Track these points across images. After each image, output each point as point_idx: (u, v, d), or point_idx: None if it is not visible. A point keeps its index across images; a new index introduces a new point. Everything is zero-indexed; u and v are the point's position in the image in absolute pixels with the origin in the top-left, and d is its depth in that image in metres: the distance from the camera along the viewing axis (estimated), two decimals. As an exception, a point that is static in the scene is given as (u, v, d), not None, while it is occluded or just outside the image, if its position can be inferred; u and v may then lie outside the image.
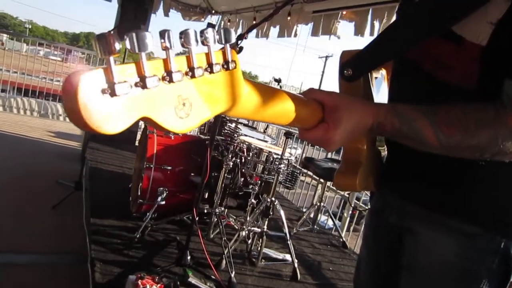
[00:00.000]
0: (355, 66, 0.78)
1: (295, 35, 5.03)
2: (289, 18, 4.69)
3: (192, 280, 2.09)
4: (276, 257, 2.75)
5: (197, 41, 0.41)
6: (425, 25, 0.73)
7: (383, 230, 0.97)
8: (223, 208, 2.76)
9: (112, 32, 0.33)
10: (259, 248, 2.63)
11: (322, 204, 3.53)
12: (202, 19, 6.91)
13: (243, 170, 2.88)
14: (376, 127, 0.70)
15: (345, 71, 0.79)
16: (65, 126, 6.70)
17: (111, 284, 2.08)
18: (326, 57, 36.24)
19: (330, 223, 4.09)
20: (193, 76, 0.41)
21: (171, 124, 0.40)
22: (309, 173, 4.34)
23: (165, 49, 0.38)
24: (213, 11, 6.83)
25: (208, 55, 0.44)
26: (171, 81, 0.39)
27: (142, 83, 0.36)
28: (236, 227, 2.74)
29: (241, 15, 6.17)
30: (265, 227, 2.61)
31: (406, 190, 0.88)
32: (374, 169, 0.90)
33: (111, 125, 0.34)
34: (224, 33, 0.45)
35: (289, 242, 2.63)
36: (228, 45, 0.46)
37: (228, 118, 3.02)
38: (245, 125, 3.54)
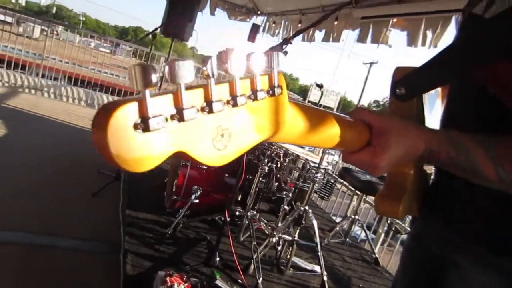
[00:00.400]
0: (409, 85, 0.73)
1: (341, 40, 4.94)
2: (336, 23, 4.61)
3: (219, 282, 2.09)
4: (305, 267, 2.70)
5: (242, 68, 0.38)
6: (497, 46, 0.67)
7: (424, 258, 0.91)
8: (255, 212, 2.74)
9: (148, 64, 0.31)
10: (288, 256, 2.60)
11: (356, 217, 3.44)
12: (248, 19, 6.95)
13: (278, 176, 2.85)
14: (428, 155, 0.65)
15: (398, 90, 0.74)
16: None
17: (140, 277, 2.12)
18: (371, 63, 35.40)
19: (363, 235, 3.98)
20: (235, 105, 0.39)
21: (207, 157, 0.37)
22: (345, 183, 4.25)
23: (207, 77, 0.35)
24: (259, 12, 6.85)
25: (253, 81, 0.41)
26: (210, 112, 0.36)
27: (178, 115, 0.33)
28: (267, 232, 2.72)
29: (287, 17, 6.14)
30: (296, 235, 2.57)
31: (452, 219, 0.82)
32: (419, 193, 0.84)
33: (141, 163, 0.32)
34: (273, 57, 0.42)
35: (319, 253, 2.58)
36: (276, 70, 0.43)
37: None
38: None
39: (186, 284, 1.99)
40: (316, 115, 0.54)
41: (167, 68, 0.32)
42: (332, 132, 0.57)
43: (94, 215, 3.15)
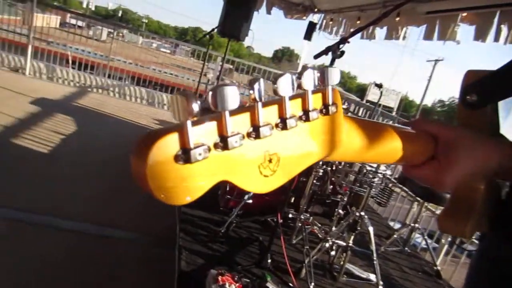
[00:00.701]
0: (481, 92, 0.65)
1: (403, 38, 4.72)
2: (397, 19, 4.41)
3: (270, 285, 2.08)
4: (359, 275, 2.61)
5: (293, 88, 0.35)
6: None
7: (495, 280, 0.83)
8: (308, 215, 2.70)
9: (190, 92, 0.29)
10: (342, 262, 2.52)
11: (417, 225, 3.26)
12: (304, 17, 6.87)
13: (333, 179, 2.78)
14: (503, 171, 0.58)
15: (468, 97, 0.66)
16: (168, 114, 7.19)
17: (194, 274, 2.16)
18: (436, 61, 33.46)
19: (424, 244, 3.77)
20: (284, 129, 0.36)
21: (253, 185, 0.35)
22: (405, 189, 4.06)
23: (253, 101, 0.33)
24: (316, 9, 6.74)
25: (304, 101, 0.38)
26: (257, 137, 0.34)
27: (222, 144, 0.31)
28: (320, 236, 2.67)
29: (345, 14, 5.99)
30: (351, 241, 2.49)
31: None
32: (489, 207, 0.76)
33: (182, 196, 0.30)
34: (328, 73, 0.39)
35: (375, 261, 2.48)
36: (330, 87, 0.40)
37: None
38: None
39: (237, 284, 2.00)
40: (374, 131, 0.50)
41: (210, 94, 0.30)
42: (391, 147, 0.53)
43: (152, 210, 3.27)
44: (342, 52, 2.29)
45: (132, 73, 8.71)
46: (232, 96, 0.30)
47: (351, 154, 0.48)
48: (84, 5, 64.34)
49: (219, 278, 2.00)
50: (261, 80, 0.33)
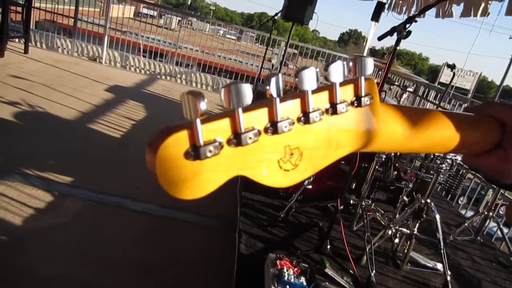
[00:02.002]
0: None
1: (487, 14, 4.31)
2: (475, -6, 4.06)
3: (329, 271, 2.06)
4: (425, 264, 2.50)
5: (317, 80, 0.34)
6: None
7: None
8: (370, 201, 2.62)
9: (198, 92, 0.29)
10: (405, 251, 2.43)
11: (491, 213, 3.05)
12: (372, -3, 6.56)
13: (397, 165, 2.67)
14: None
15: None
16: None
17: (252, 257, 2.21)
18: (520, 38, 30.34)
19: (499, 233, 3.50)
20: (307, 123, 0.35)
21: (272, 180, 0.35)
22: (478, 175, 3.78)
23: (270, 97, 0.32)
24: (385, -12, 6.41)
25: (331, 93, 0.37)
26: (275, 133, 0.33)
27: (236, 140, 0.31)
28: (383, 223, 2.59)
29: (417, -8, 5.63)
30: (415, 229, 2.38)
31: None
32: None
33: (192, 191, 0.31)
34: (359, 64, 0.37)
35: (442, 250, 2.35)
36: (363, 77, 0.38)
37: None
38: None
39: (296, 269, 2.01)
40: (420, 119, 0.47)
41: (222, 92, 0.30)
42: (443, 135, 0.49)
43: (214, 193, 3.38)
44: (409, 32, 2.15)
45: (198, 60, 8.95)
46: (245, 93, 0.30)
47: (392, 144, 0.45)
48: (156, -5, 67.01)
49: (278, 262, 2.02)
50: (279, 75, 0.32)
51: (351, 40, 69.30)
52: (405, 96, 2.74)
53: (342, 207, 2.41)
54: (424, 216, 2.38)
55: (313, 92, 0.35)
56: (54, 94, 4.91)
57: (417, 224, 2.40)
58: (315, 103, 0.35)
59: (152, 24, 9.27)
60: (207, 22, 10.02)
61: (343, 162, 2.86)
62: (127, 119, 4.78)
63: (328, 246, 2.33)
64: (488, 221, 3.17)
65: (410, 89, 2.72)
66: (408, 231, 2.42)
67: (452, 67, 3.22)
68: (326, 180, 2.84)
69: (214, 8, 72.71)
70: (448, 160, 2.38)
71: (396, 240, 2.52)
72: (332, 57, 8.37)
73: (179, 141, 0.30)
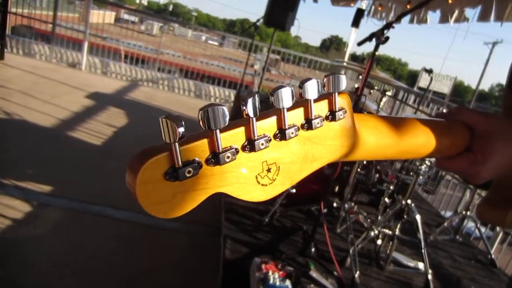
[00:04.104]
0: None
1: (462, 19, 4.44)
2: (450, 1, 4.18)
3: (314, 274, 2.08)
4: (407, 264, 2.55)
5: (292, 98, 0.35)
6: None
7: None
8: (352, 204, 2.66)
9: (176, 115, 0.30)
10: (388, 251, 2.47)
11: (468, 213, 3.12)
12: (352, 5, 6.68)
13: (378, 167, 2.72)
14: None
15: None
16: (215, 106, 7.33)
17: (238, 262, 2.21)
18: (494, 43, 31.16)
19: (478, 232, 3.59)
20: (283, 139, 0.37)
21: (250, 195, 0.36)
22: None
23: (247, 116, 0.34)
24: (364, -5, 6.54)
25: (306, 110, 0.38)
26: (252, 150, 0.35)
27: (214, 160, 0.33)
28: (366, 225, 2.62)
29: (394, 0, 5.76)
30: (397, 230, 2.43)
31: None
32: None
33: (171, 211, 0.33)
34: (333, 80, 0.39)
35: (423, 249, 2.40)
36: (336, 93, 0.39)
37: (366, 111, 2.87)
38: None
39: (281, 272, 2.03)
40: (395, 127, 0.49)
41: (200, 114, 0.31)
42: (418, 142, 0.51)
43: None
44: (387, 38, 2.21)
45: (181, 66, 8.93)
46: (222, 115, 0.31)
47: (366, 154, 0.47)
48: (137, 1, 66.61)
49: (263, 266, 2.03)
50: (256, 95, 0.33)
51: (332, 46, 70.12)
52: (385, 100, 2.80)
53: (325, 210, 2.44)
54: (405, 217, 2.43)
55: (289, 109, 0.36)
56: (32, 101, 4.83)
57: (399, 225, 2.44)
58: (290, 120, 0.37)
59: (134, 30, 9.22)
60: (189, 28, 10.03)
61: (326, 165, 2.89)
62: (108, 126, 4.73)
63: (313, 249, 2.35)
64: (466, 220, 3.25)
65: (390, 93, 2.78)
66: (390, 232, 2.46)
67: (429, 72, 3.30)
68: (309, 184, 2.86)
69: (196, 14, 72.67)
70: (427, 162, 2.43)
71: (379, 241, 2.56)
72: (314, 63, 8.47)
73: (158, 164, 0.31)
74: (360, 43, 2.31)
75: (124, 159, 4.03)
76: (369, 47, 2.36)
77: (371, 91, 2.87)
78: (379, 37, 2.17)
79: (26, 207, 2.72)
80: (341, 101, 0.41)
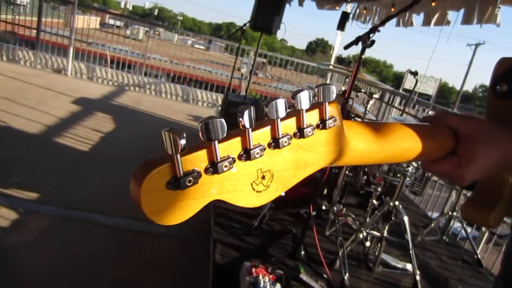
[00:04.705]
0: None
1: (445, 23, 4.53)
2: (433, 4, 4.25)
3: (304, 276, 2.09)
4: (395, 265, 2.58)
5: (286, 109, 0.38)
6: None
7: None
8: (341, 206, 2.68)
9: (178, 129, 0.33)
10: (377, 253, 2.50)
11: (455, 214, 3.17)
12: (337, 8, 6.76)
13: (366, 169, 2.74)
14: None
15: (498, 86, 0.63)
16: (202, 110, 7.32)
17: (228, 266, 2.21)
18: (477, 45, 31.77)
19: (464, 232, 3.65)
20: (276, 147, 0.39)
21: (245, 201, 0.38)
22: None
23: (243, 128, 0.36)
24: (349, -1, 6.61)
25: (298, 119, 0.40)
26: (248, 159, 0.37)
27: (213, 169, 0.35)
28: (354, 227, 2.65)
29: (379, 3, 5.84)
30: (385, 232, 2.46)
31: None
32: None
33: (174, 217, 0.34)
34: (323, 91, 0.41)
35: (411, 250, 2.43)
36: (326, 103, 0.42)
37: (354, 114, 2.90)
38: (372, 120, 3.36)
39: (271, 275, 2.03)
40: (382, 133, 0.51)
41: (200, 126, 0.33)
42: (404, 146, 0.53)
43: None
44: (373, 42, 2.24)
45: (167, 70, 8.89)
46: (221, 127, 0.33)
47: (356, 159, 0.49)
48: (122, 5, 66.18)
49: (253, 270, 2.03)
50: (252, 108, 0.36)
51: (318, 48, 70.60)
52: (371, 102, 2.83)
53: (314, 213, 2.46)
54: (393, 218, 2.46)
55: (282, 119, 0.38)
56: (17, 107, 4.76)
57: (387, 227, 2.47)
58: (284, 129, 0.39)
59: (119, 35, 9.16)
60: (175, 32, 10.01)
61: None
62: (95, 131, 4.68)
63: (302, 252, 2.36)
64: (452, 221, 3.30)
65: (376, 96, 2.81)
66: (379, 234, 2.49)
67: (414, 74, 3.34)
68: (298, 187, 2.87)
69: (181, 18, 72.48)
70: (413, 164, 2.47)
71: (368, 243, 2.58)
72: (301, 66, 8.52)
73: (161, 174, 0.33)
74: (346, 47, 2.34)
75: (111, 164, 4.01)
76: (355, 49, 2.40)
77: (358, 94, 2.90)
78: (365, 40, 2.20)
79: (12, 215, 2.67)
80: (331, 110, 0.43)
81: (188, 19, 77.67)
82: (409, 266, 2.51)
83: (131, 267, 2.49)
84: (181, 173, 0.33)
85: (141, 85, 7.67)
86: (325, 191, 2.89)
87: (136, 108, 6.29)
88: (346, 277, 2.24)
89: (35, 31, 7.33)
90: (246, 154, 0.37)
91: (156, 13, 73.14)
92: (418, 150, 0.54)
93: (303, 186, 2.89)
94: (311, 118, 0.42)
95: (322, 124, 0.42)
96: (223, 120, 0.34)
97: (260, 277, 1.99)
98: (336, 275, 2.29)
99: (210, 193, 0.35)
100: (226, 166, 0.35)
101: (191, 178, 0.33)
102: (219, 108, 6.93)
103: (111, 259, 2.52)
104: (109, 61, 8.57)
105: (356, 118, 2.86)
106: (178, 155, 0.32)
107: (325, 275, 2.26)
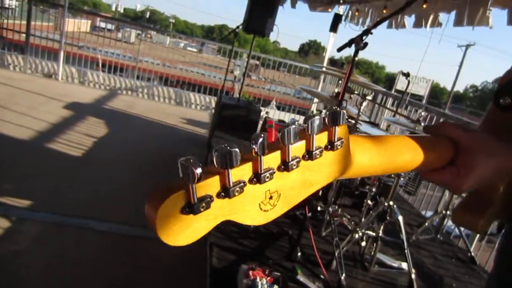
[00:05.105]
0: None
1: (437, 25, 4.57)
2: (424, 6, 4.29)
3: (301, 278, 2.10)
4: (391, 264, 2.59)
5: (296, 137, 0.39)
6: None
7: None
8: (336, 207, 2.69)
9: (194, 159, 0.34)
10: (372, 253, 2.51)
11: (448, 212, 3.20)
12: (329, 10, 6.79)
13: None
14: None
15: (502, 100, 0.64)
16: (195, 113, 7.31)
17: (225, 270, 2.21)
18: (467, 46, 32.09)
19: (457, 231, 3.68)
20: (285, 170, 0.40)
21: (252, 220, 0.40)
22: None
23: (256, 155, 0.37)
24: (341, 1, 6.65)
25: (308, 142, 0.42)
26: (258, 182, 0.39)
27: (224, 193, 0.37)
28: (350, 228, 2.66)
29: (371, 4, 5.88)
30: (381, 231, 2.47)
31: None
32: (510, 202, 0.75)
33: (186, 239, 0.36)
34: (334, 115, 0.43)
35: (406, 250, 2.45)
36: (336, 127, 0.43)
37: (348, 116, 2.91)
38: (366, 122, 3.38)
39: (268, 278, 2.03)
40: (386, 146, 0.53)
41: (214, 154, 0.35)
42: (405, 158, 0.55)
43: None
44: (366, 44, 2.25)
45: (160, 73, 8.88)
46: (235, 156, 0.35)
47: (359, 173, 0.50)
48: (113, 8, 65.87)
49: (250, 272, 2.03)
50: (265, 135, 0.37)
51: (311, 50, 70.81)
52: (364, 104, 2.85)
53: (310, 214, 2.47)
54: (388, 218, 2.47)
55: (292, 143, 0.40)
56: (7, 113, 4.72)
57: (382, 227, 2.48)
58: (293, 152, 0.40)
59: (110, 38, 9.12)
60: (168, 35, 9.99)
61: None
62: (87, 136, 4.65)
63: (299, 254, 2.36)
64: (446, 219, 3.33)
65: (369, 97, 2.83)
66: (374, 234, 2.50)
67: (406, 75, 3.37)
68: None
69: (173, 21, 72.28)
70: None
71: (363, 243, 2.60)
72: (294, 68, 8.54)
73: (176, 201, 0.35)
74: (340, 49, 2.35)
75: (104, 169, 3.99)
76: (347, 51, 2.41)
77: (352, 95, 2.92)
78: (358, 43, 2.21)
79: (5, 223, 2.65)
80: (340, 132, 0.44)
81: (180, 22, 77.46)
82: (404, 265, 2.53)
83: (126, 272, 2.48)
84: (195, 200, 0.35)
85: (134, 88, 7.64)
86: (320, 192, 2.90)
87: (128, 112, 6.26)
88: (342, 277, 2.24)
89: (24, 35, 7.27)
90: (257, 178, 0.38)
91: (147, 15, 72.88)
92: (418, 161, 0.56)
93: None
94: (320, 140, 0.43)
95: (330, 146, 0.44)
96: (237, 150, 0.35)
97: (258, 279, 1.99)
98: (333, 275, 2.30)
99: (220, 215, 0.37)
100: (237, 191, 0.37)
101: (204, 204, 0.35)
102: (213, 110, 6.92)
103: (106, 265, 2.51)
104: (100, 65, 8.53)
105: (350, 120, 2.88)
106: (194, 185, 0.34)
107: (322, 276, 2.27)
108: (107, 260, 2.56)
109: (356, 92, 3.18)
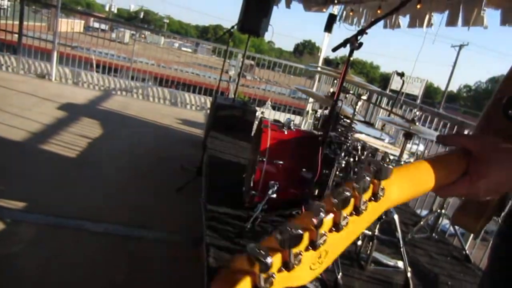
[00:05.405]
0: None
1: (430, 25, 4.60)
2: (418, 6, 4.31)
3: (297, 277, 2.09)
4: (387, 263, 2.60)
5: (348, 202, 0.42)
6: None
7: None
8: (333, 206, 2.70)
9: (263, 249, 0.37)
10: (368, 252, 2.52)
11: (443, 211, 3.22)
12: (324, 10, 6.79)
13: (356, 169, 2.77)
14: None
15: (510, 111, 0.66)
16: (190, 114, 7.29)
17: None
18: (461, 46, 32.29)
19: (452, 229, 3.70)
20: (336, 231, 0.43)
21: (302, 279, 0.42)
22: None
23: (312, 225, 0.40)
24: (336, 1, 6.66)
25: (356, 199, 0.45)
26: (313, 249, 0.41)
27: (284, 267, 0.39)
28: (346, 227, 2.67)
29: (365, 5, 5.90)
30: (376, 230, 2.48)
31: None
32: (503, 200, 0.76)
33: None
34: (379, 171, 0.45)
35: (402, 248, 2.46)
36: (381, 181, 0.46)
37: (343, 115, 2.92)
38: (361, 121, 3.39)
39: (265, 277, 2.03)
40: (414, 181, 0.54)
41: (278, 237, 0.38)
42: (428, 186, 0.57)
43: (178, 209, 3.35)
44: (360, 44, 2.26)
45: (154, 74, 8.85)
46: (296, 238, 0.38)
47: (391, 206, 0.53)
48: (107, 8, 65.57)
49: (247, 271, 2.03)
50: (324, 206, 0.40)
51: (306, 50, 70.90)
52: (360, 103, 2.86)
53: (306, 213, 2.47)
54: (384, 217, 2.48)
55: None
56: (0, 115, 4.68)
57: (378, 225, 2.49)
58: (344, 212, 0.43)
59: (104, 38, 9.08)
60: (162, 35, 9.97)
61: (304, 169, 2.92)
62: (82, 137, 4.63)
63: (295, 253, 2.37)
64: (441, 218, 3.35)
65: (364, 97, 2.85)
66: (370, 233, 2.51)
67: (401, 75, 3.38)
68: (289, 189, 2.89)
69: (168, 21, 72.05)
70: (401, 163, 2.50)
71: (359, 242, 2.60)
72: (289, 68, 8.54)
73: (243, 286, 0.37)
74: (334, 49, 2.36)
75: (99, 170, 3.97)
76: (342, 51, 2.41)
77: (347, 95, 2.93)
78: (353, 43, 2.22)
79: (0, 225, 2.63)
80: (383, 183, 0.47)
81: (174, 22, 77.23)
82: (400, 264, 2.54)
83: (123, 274, 2.47)
84: (262, 284, 0.37)
85: (128, 89, 7.61)
86: (316, 191, 2.90)
87: (123, 112, 6.24)
88: (339, 276, 2.25)
89: (16, 35, 7.21)
90: (312, 245, 0.41)
91: (141, 16, 72.59)
92: (439, 180, 0.57)
93: (294, 187, 2.90)
94: (366, 197, 0.46)
95: (374, 197, 0.47)
96: (301, 232, 0.38)
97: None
98: (329, 274, 2.30)
99: (278, 285, 0.39)
100: (295, 264, 0.40)
101: (268, 284, 0.38)
102: (208, 111, 6.91)
103: (103, 267, 2.50)
104: (94, 65, 8.48)
105: (345, 120, 2.89)
106: (262, 275, 0.37)
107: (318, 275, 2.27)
108: (103, 261, 2.55)
109: (351, 92, 3.19)
